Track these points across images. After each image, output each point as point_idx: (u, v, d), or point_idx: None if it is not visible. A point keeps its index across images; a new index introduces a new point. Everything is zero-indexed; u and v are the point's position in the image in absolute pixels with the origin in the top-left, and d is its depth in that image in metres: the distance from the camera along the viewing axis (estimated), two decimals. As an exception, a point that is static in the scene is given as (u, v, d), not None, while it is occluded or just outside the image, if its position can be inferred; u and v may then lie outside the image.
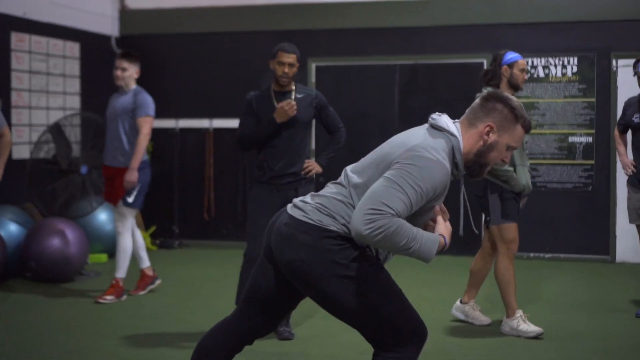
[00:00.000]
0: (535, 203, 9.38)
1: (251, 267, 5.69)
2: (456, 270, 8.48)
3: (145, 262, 7.30)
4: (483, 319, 6.14)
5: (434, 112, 3.48)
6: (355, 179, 3.25)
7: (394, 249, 3.02)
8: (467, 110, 3.36)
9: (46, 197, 8.36)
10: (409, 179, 3.02)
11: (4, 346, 5.45)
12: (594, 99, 9.23)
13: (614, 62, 9.18)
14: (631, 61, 8.78)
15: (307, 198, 3.32)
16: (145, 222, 10.38)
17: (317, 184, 6.60)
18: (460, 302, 6.24)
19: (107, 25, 10.40)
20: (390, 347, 3.20)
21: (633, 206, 6.60)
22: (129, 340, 5.64)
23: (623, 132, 6.79)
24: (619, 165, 8.92)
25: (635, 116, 6.56)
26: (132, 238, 7.10)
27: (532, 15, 9.41)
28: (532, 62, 9.37)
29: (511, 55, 5.94)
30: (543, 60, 9.36)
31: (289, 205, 3.34)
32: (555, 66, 9.34)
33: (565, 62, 9.32)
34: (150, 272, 7.33)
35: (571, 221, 9.36)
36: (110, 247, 9.00)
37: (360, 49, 9.91)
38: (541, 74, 9.37)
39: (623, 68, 9.08)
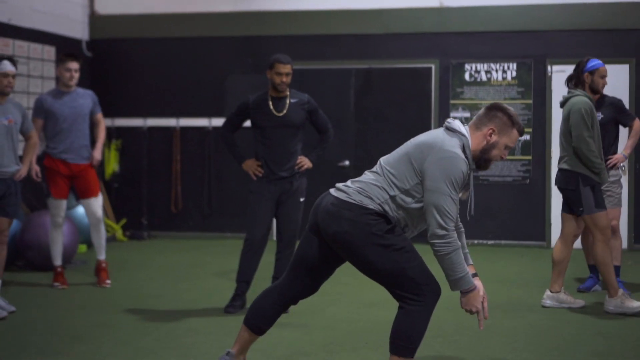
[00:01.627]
0: (478, 195, 10.32)
1: (251, 251, 6.49)
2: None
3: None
4: (578, 302, 6.78)
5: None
6: (388, 169, 4.08)
7: (448, 264, 4.01)
8: (474, 117, 4.21)
9: (38, 191, 8.94)
10: (446, 178, 3.86)
11: (43, 324, 6.12)
12: (531, 101, 10.24)
13: (549, 68, 10.20)
14: (564, 67, 9.87)
15: (349, 183, 4.15)
16: (116, 215, 11.01)
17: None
18: (550, 292, 6.80)
19: (79, 29, 10.99)
20: (413, 300, 4.05)
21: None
22: (131, 315, 6.35)
23: (563, 132, 7.73)
24: (553, 160, 9.94)
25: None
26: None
27: (476, 25, 10.37)
28: (476, 68, 10.33)
29: (593, 63, 6.71)
30: (485, 65, 10.32)
31: (333, 189, 4.16)
32: (497, 71, 10.31)
33: (506, 68, 10.30)
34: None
35: (511, 211, 10.36)
36: (89, 238, 9.61)
37: (319, 54, 10.72)
38: (484, 78, 10.33)
39: (557, 73, 10.11)
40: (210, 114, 10.92)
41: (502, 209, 10.39)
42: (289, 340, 5.56)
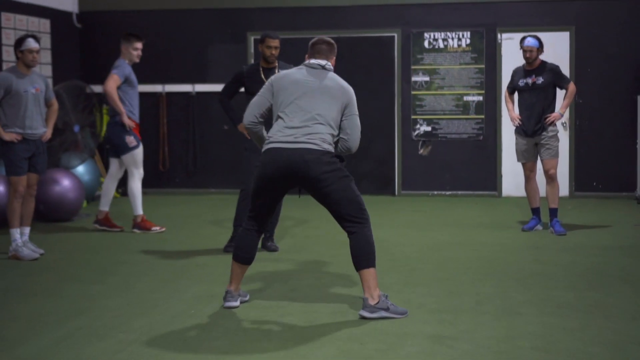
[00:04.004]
0: (437, 151, 11.58)
1: (246, 199, 7.60)
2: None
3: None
4: None
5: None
6: (326, 117, 5.31)
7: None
8: (317, 53, 5.45)
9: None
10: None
11: (70, 262, 7.22)
12: (483, 66, 11.42)
13: (499, 35, 11.38)
14: (513, 35, 11.04)
15: (307, 136, 5.22)
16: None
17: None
18: None
19: (69, 2, 11.93)
20: (359, 220, 5.27)
21: (519, 149, 8.76)
22: (145, 255, 7.47)
23: (512, 93, 8.88)
24: (504, 119, 11.15)
25: (520, 81, 8.67)
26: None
27: (434, -3, 11.54)
28: (434, 36, 11.47)
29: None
30: (442, 34, 11.48)
31: (295, 144, 5.21)
32: (452, 39, 11.47)
33: (460, 36, 11.46)
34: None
35: (466, 165, 11.58)
36: (87, 194, 10.69)
37: (292, 25, 11.77)
38: (441, 46, 11.49)
39: (506, 41, 11.30)
40: (193, 81, 11.97)
41: (459, 163, 11.59)
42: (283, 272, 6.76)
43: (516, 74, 8.78)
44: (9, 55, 10.35)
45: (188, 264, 7.10)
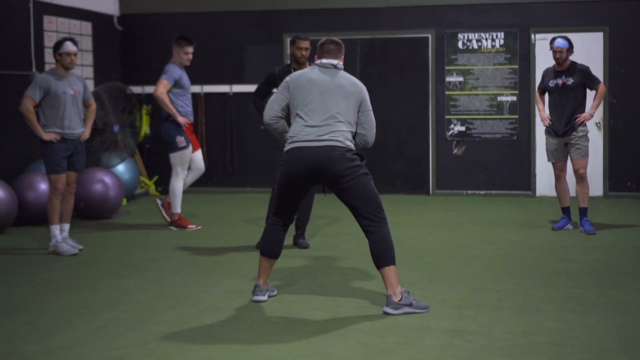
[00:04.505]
0: (472, 150, 11.67)
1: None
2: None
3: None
4: None
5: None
6: (345, 115, 5.52)
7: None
8: (326, 52, 5.65)
9: (87, 151, 10.24)
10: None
11: (108, 257, 7.46)
12: (517, 66, 11.49)
13: (532, 36, 11.44)
14: (546, 35, 11.08)
15: (330, 134, 5.41)
16: (148, 172, 12.33)
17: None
18: None
19: (110, 5, 12.22)
20: (377, 219, 5.42)
21: (550, 149, 8.84)
22: (180, 251, 7.69)
23: (542, 94, 8.96)
24: (537, 119, 11.20)
25: (550, 82, 8.75)
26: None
27: (468, -2, 11.63)
28: (468, 37, 11.57)
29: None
30: (476, 35, 11.56)
31: (316, 142, 5.40)
32: (486, 40, 11.55)
33: (494, 37, 11.54)
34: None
35: (500, 165, 11.65)
36: (127, 192, 10.97)
37: (327, 26, 11.93)
38: (475, 46, 11.58)
39: (540, 41, 11.35)
40: (230, 81, 12.20)
41: (493, 163, 11.66)
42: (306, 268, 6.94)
43: (546, 74, 8.85)
44: (51, 57, 10.64)
45: (221, 260, 7.30)
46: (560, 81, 8.65)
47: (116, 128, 10.26)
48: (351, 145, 5.45)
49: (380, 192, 5.72)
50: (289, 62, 8.02)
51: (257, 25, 12.13)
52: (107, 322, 5.27)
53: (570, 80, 8.61)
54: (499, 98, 11.56)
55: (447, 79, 11.62)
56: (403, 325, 5.14)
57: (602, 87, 8.68)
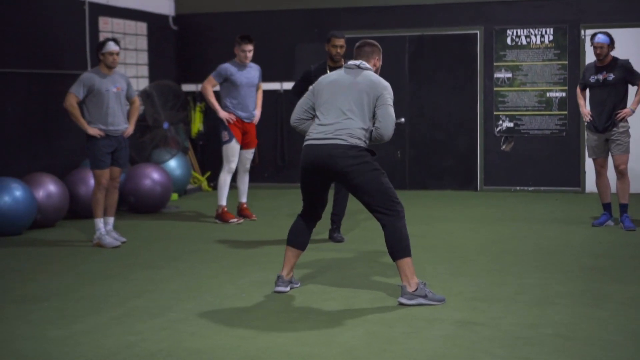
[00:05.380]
0: (520, 146, 11.65)
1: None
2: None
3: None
4: None
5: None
6: (356, 111, 5.65)
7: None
8: (358, 55, 5.93)
9: (137, 148, 10.60)
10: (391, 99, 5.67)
11: (148, 249, 7.74)
12: (566, 62, 11.42)
13: (582, 32, 11.35)
14: (596, 31, 10.97)
15: (336, 132, 5.57)
16: (201, 168, 12.62)
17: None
18: None
19: (165, 6, 12.55)
20: (390, 212, 5.54)
21: (590, 145, 8.81)
22: (218, 244, 7.91)
23: (583, 90, 8.93)
24: (586, 115, 11.10)
25: (591, 77, 8.72)
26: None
27: (516, -6, 11.61)
28: (517, 33, 11.54)
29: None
30: (525, 31, 11.53)
31: (323, 140, 5.57)
32: (535, 35, 11.51)
33: (544, 32, 11.49)
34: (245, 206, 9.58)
35: (549, 160, 11.60)
36: (179, 187, 11.27)
37: (376, 23, 12.05)
38: (524, 42, 11.55)
39: (589, 37, 11.23)
40: (281, 79, 12.41)
41: (541, 159, 11.61)
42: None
43: (587, 70, 8.83)
44: (107, 56, 11.00)
45: (255, 253, 7.50)
46: (601, 77, 8.62)
47: (166, 125, 10.56)
48: (358, 142, 5.56)
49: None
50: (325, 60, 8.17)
51: (308, 23, 12.30)
52: (132, 309, 5.51)
53: (612, 76, 8.57)
54: (548, 94, 11.51)
55: (496, 75, 11.61)
56: (414, 316, 5.25)
57: (644, 82, 8.62)
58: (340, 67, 7.95)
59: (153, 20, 12.14)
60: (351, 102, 5.62)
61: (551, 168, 11.60)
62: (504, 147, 11.74)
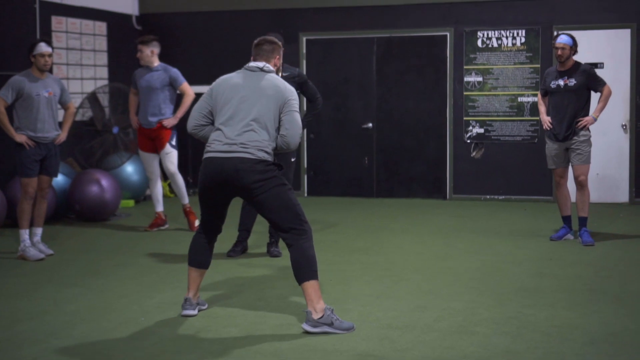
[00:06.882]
0: (490, 153, 11.20)
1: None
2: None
3: (161, 207, 9.07)
4: None
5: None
6: (265, 123, 5.22)
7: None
8: (257, 55, 5.44)
9: (85, 153, 10.21)
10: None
11: (71, 262, 7.35)
12: (539, 65, 10.94)
13: (555, 33, 10.83)
14: (570, 33, 10.53)
15: (241, 145, 5.13)
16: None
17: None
18: None
19: (128, 5, 12.15)
20: (297, 232, 5.16)
21: (549, 154, 8.35)
22: (147, 257, 7.51)
23: (544, 96, 8.48)
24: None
25: (552, 83, 8.26)
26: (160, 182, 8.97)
27: (487, -5, 11.14)
28: (488, 34, 11.09)
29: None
30: (496, 32, 11.07)
31: (228, 153, 5.13)
32: (507, 37, 11.05)
33: (515, 34, 11.03)
34: (163, 216, 9.12)
35: (520, 168, 11.13)
36: (136, 193, 10.89)
37: (343, 24, 11.62)
38: (495, 44, 11.08)
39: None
40: (246, 81, 11.97)
41: (512, 167, 11.15)
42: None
43: (548, 75, 8.37)
44: (60, 57, 10.64)
45: (180, 268, 7.01)
46: (562, 82, 8.16)
47: (115, 129, 10.16)
48: (265, 156, 5.15)
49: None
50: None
51: (273, 23, 11.86)
52: (15, 334, 5.11)
53: (573, 81, 8.12)
54: (520, 99, 11.05)
55: (466, 78, 11.16)
56: (313, 347, 4.83)
57: (607, 89, 8.16)
58: (277, 71, 7.58)
59: (114, 20, 11.75)
60: (257, 110, 5.19)
61: (522, 176, 11.14)
62: (474, 154, 11.29)
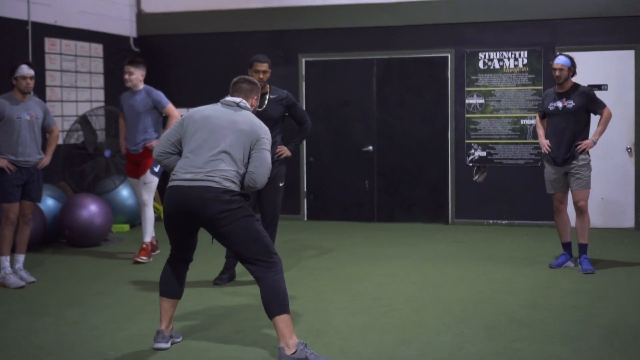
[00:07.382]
0: (493, 177, 10.94)
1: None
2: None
3: (148, 237, 8.78)
4: None
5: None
6: (232, 155, 5.03)
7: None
8: (235, 92, 5.32)
9: (76, 177, 10.03)
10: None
11: (51, 290, 7.13)
12: (541, 87, 10.68)
13: (557, 54, 10.62)
14: (572, 54, 10.25)
15: (208, 174, 4.96)
16: (162, 196, 12.00)
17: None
18: None
19: (126, 27, 12.01)
20: (266, 265, 4.93)
21: (548, 178, 8.10)
22: (131, 285, 7.28)
23: (542, 118, 8.24)
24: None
25: (550, 105, 8.02)
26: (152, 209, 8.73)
27: (489, 15, 10.87)
28: (489, 56, 10.84)
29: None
30: (498, 54, 10.83)
31: (194, 182, 4.95)
32: (509, 59, 10.81)
33: (517, 55, 10.78)
34: (154, 242, 8.89)
35: (523, 192, 10.84)
36: (132, 218, 10.67)
37: (343, 46, 11.41)
38: (497, 66, 10.84)
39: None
40: (244, 103, 11.77)
41: (515, 191, 10.87)
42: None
43: (546, 97, 8.13)
44: (53, 79, 10.48)
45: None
46: (560, 104, 7.92)
47: (107, 153, 9.97)
48: (231, 186, 4.95)
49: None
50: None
51: (273, 45, 11.70)
52: (-24, 369, 4.90)
53: (572, 103, 7.87)
54: (522, 121, 10.79)
55: (467, 100, 10.91)
56: (284, 384, 4.58)
57: (607, 112, 7.90)
58: (264, 94, 7.39)
59: (111, 42, 11.59)
60: (228, 143, 5.01)
61: (525, 200, 10.86)
62: (476, 177, 11.02)
